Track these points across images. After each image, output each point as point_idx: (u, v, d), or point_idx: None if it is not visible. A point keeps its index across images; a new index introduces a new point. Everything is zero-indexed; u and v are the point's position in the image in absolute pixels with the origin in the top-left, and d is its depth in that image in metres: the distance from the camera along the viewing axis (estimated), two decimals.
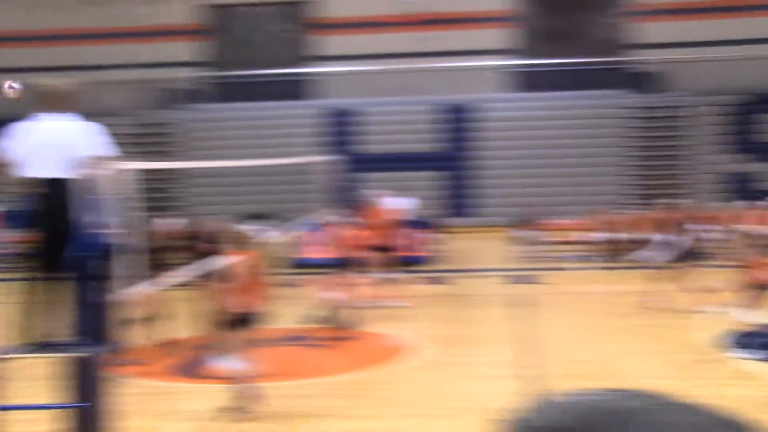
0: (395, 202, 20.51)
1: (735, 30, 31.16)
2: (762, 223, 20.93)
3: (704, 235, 21.05)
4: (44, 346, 7.23)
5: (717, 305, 14.21)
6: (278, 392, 9.99)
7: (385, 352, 12.57)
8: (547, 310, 15.64)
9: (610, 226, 21.41)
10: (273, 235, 16.88)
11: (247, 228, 9.58)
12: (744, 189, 27.93)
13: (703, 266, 18.92)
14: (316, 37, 33.64)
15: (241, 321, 9.09)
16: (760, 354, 11.32)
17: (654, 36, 31.71)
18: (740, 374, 10.54)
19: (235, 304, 9.07)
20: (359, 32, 32.87)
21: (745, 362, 11.07)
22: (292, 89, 33.47)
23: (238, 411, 9.09)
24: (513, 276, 19.47)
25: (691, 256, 20.43)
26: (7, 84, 14.41)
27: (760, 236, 20.07)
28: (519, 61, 33.02)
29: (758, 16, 31.36)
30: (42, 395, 8.84)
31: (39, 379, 8.43)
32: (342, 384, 10.74)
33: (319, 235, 20.17)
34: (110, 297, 7.43)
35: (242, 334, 9.14)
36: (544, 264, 21.08)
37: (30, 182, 7.22)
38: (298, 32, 34.33)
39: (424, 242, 21.72)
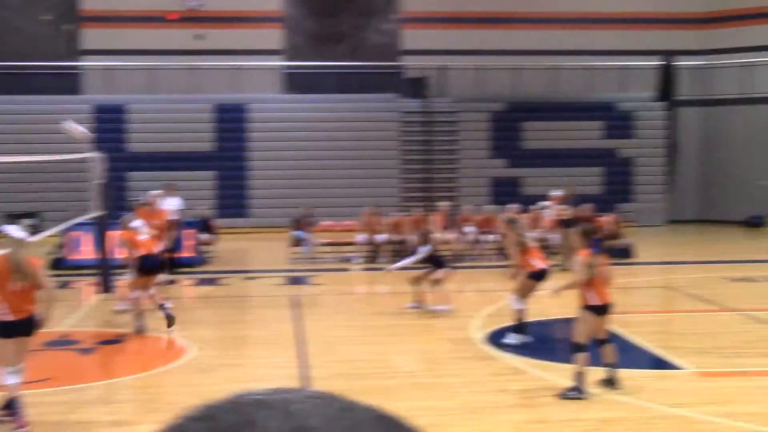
0: (166, 203, 20.14)
1: (501, 41, 32.70)
2: (534, 226, 22.05)
3: (479, 237, 22.08)
4: None
5: (485, 304, 14.87)
6: (43, 399, 9.56)
7: (159, 355, 12.32)
8: (320, 310, 15.84)
9: (376, 228, 21.87)
10: (35, 236, 16.14)
11: (6, 229, 8.98)
12: (514, 193, 29.37)
13: (472, 267, 19.79)
14: (90, 30, 32.42)
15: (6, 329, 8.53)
16: (519, 349, 11.92)
17: (424, 43, 32.74)
18: (501, 369, 11.04)
19: None
20: (135, 27, 32.00)
21: (506, 357, 11.60)
22: (63, 83, 32.12)
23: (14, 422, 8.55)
24: (288, 277, 19.57)
25: (458, 258, 21.41)
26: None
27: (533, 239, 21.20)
28: (291, 62, 33.21)
29: (523, 29, 33.02)
30: None
31: None
32: (110, 389, 10.42)
33: (90, 235, 19.51)
34: None
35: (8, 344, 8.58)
36: (317, 265, 21.30)
37: None
38: (71, 24, 32.99)
39: (199, 243, 21.43)
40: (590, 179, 30.59)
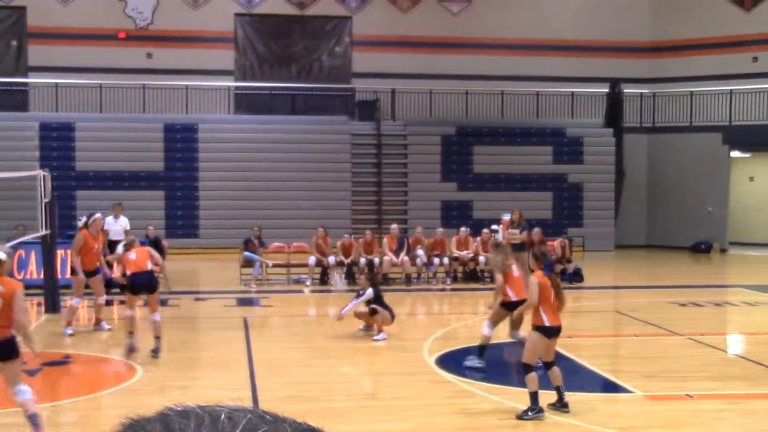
0: (116, 222, 19.94)
1: (452, 65, 32.99)
2: (486, 250, 22.19)
3: (429, 260, 22.14)
4: None
5: (436, 327, 14.88)
6: None
7: (106, 377, 12.13)
8: (270, 332, 15.76)
9: (326, 250, 21.85)
10: None
11: None
12: (465, 216, 29.50)
13: (422, 290, 19.82)
14: (37, 47, 32.04)
15: None
16: (470, 372, 11.94)
17: (375, 66, 32.88)
18: (453, 392, 11.04)
19: None
20: (84, 44, 31.69)
21: (457, 380, 11.61)
22: (10, 100, 31.70)
23: None
24: (238, 298, 19.44)
25: (408, 281, 21.44)
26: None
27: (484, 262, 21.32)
28: (242, 83, 33.16)
29: (473, 54, 33.32)
30: None
31: None
32: (55, 411, 10.23)
33: (34, 254, 19.21)
34: None
35: None
36: (267, 287, 21.19)
37: None
38: (17, 40, 32.61)
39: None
40: (540, 203, 30.86)
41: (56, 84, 30.81)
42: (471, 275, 22.48)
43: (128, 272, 13.14)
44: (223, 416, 0.92)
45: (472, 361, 12.25)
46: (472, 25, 33.71)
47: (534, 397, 9.64)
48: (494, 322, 12.36)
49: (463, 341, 14.35)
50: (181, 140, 30.51)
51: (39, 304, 17.52)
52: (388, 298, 19.30)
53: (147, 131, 30.29)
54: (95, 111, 30.81)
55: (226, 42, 33.11)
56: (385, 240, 22.47)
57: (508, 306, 12.13)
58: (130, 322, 13.07)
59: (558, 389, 9.92)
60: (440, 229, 23.61)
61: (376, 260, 21.68)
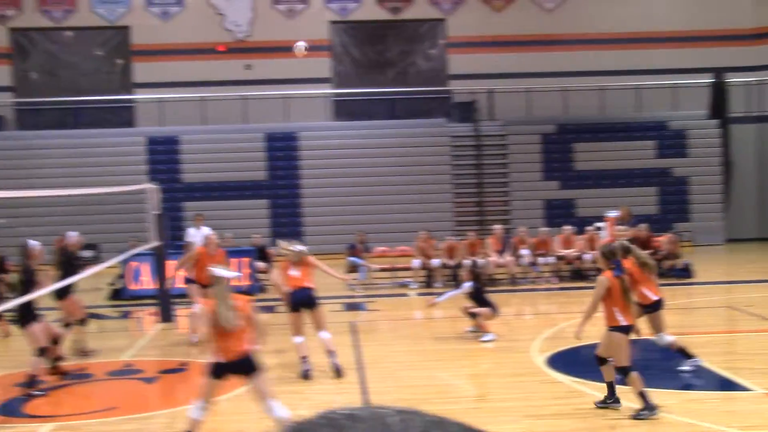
0: (198, 234, 20.20)
1: (549, 62, 32.69)
2: (591, 248, 21.90)
3: (534, 260, 21.98)
4: None
5: (543, 327, 14.75)
6: (109, 428, 9.67)
7: (220, 383, 12.35)
8: (377, 336, 15.84)
9: (431, 253, 21.86)
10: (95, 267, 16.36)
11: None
12: (568, 215, 29.15)
13: (528, 290, 19.66)
14: (141, 64, 32.98)
15: None
16: (580, 372, 11.78)
17: (471, 67, 32.82)
18: (563, 392, 10.92)
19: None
20: (185, 59, 32.48)
21: (567, 381, 11.47)
22: (117, 117, 32.74)
23: None
24: (345, 303, 19.61)
25: (514, 282, 21.33)
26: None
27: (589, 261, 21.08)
28: (340, 90, 33.47)
29: (571, 50, 32.96)
30: None
31: None
32: (174, 417, 10.48)
33: (147, 265, 19.75)
34: None
35: None
36: (373, 291, 21.31)
37: None
38: (123, 58, 33.62)
39: (255, 271, 21.54)
40: (645, 199, 30.28)
41: (160, 99, 31.61)
42: (577, 274, 22.21)
43: (288, 288, 12.66)
44: (392, 418, 0.93)
45: (686, 365, 11.77)
46: (568, 20, 33.34)
47: (642, 395, 9.52)
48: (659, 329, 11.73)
49: (571, 341, 14.16)
50: (282, 149, 30.96)
51: (153, 314, 18.00)
52: (493, 298, 19.26)
53: (249, 141, 30.84)
54: (198, 123, 31.52)
55: (322, 50, 33.45)
56: (488, 241, 22.38)
57: (647, 308, 11.71)
58: (299, 347, 12.53)
59: (610, 385, 9.88)
60: (544, 229, 23.40)
61: (481, 261, 21.61)
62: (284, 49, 32.82)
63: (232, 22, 33.16)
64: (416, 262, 21.72)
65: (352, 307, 19.37)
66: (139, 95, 32.66)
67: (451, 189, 30.89)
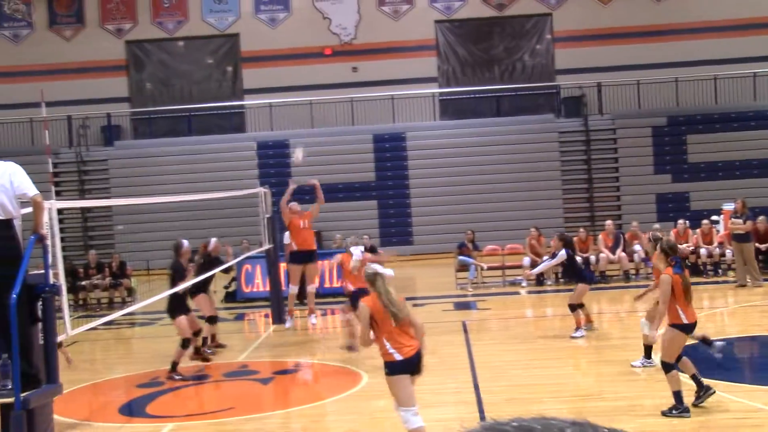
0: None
1: (658, 54, 32.01)
2: (708, 242, 21.41)
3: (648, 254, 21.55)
4: None
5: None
6: (226, 428, 9.90)
7: (333, 384, 12.52)
8: (488, 335, 15.78)
9: (541, 251, 21.64)
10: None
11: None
12: (682, 209, 28.47)
13: (642, 286, 19.29)
14: (250, 70, 33.67)
15: None
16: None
17: (578, 61, 32.40)
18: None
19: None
20: (292, 64, 32.98)
21: (687, 377, 11.22)
22: (227, 122, 33.51)
23: None
24: (455, 303, 19.61)
25: (627, 277, 20.96)
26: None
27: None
28: (446, 89, 33.47)
29: (680, 40, 32.22)
30: None
31: None
32: (289, 417, 10.67)
33: (260, 268, 20.11)
34: (52, 338, 7.29)
35: None
36: (483, 290, 21.24)
37: None
38: (232, 65, 34.38)
39: None
40: (763, 191, 29.29)
41: (270, 104, 32.17)
42: (692, 269, 21.65)
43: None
44: (568, 430, 0.93)
45: (638, 362, 11.93)
46: (677, 10, 32.59)
47: (677, 395, 9.55)
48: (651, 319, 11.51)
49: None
50: (390, 149, 31.12)
51: (266, 316, 18.34)
52: (606, 295, 18.98)
53: (357, 143, 31.10)
54: (307, 127, 31.95)
55: (428, 50, 33.53)
56: (600, 237, 22.05)
57: None
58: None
59: (694, 377, 9.85)
60: (657, 225, 22.92)
61: (593, 258, 21.33)
62: (390, 50, 33.09)
63: (338, 25, 33.52)
64: (526, 260, 21.55)
65: (463, 306, 19.34)
66: (249, 101, 33.31)
67: (560, 185, 30.55)
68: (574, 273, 14.76)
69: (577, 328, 14.25)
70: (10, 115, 30.84)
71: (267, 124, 32.35)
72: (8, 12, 34.09)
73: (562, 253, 14.48)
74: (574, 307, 14.41)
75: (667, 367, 9.68)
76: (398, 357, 8.15)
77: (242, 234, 24.08)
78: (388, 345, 8.15)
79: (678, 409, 9.54)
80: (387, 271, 8.77)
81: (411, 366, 8.19)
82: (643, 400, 10.34)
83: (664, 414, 9.56)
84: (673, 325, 9.76)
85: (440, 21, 33.73)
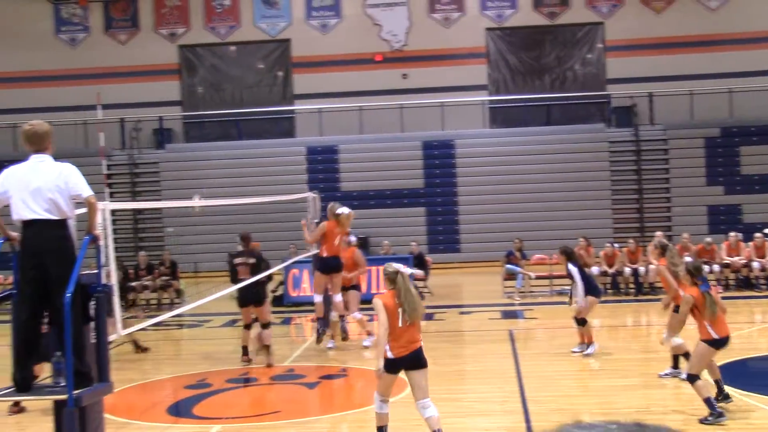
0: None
1: (712, 64, 31.64)
2: (761, 255, 21.09)
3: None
4: (34, 389, 7.16)
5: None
6: None
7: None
8: (535, 345, 15.68)
9: (589, 261, 21.46)
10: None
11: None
12: (734, 221, 28.07)
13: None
14: (300, 75, 33.87)
15: None
16: (748, 385, 11.35)
17: (630, 70, 32.13)
18: (731, 406, 10.53)
19: None
20: (342, 69, 33.12)
21: (734, 394, 11.06)
22: (277, 127, 33.75)
23: None
24: (502, 311, 19.52)
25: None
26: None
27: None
28: (496, 97, 33.38)
29: (734, 50, 31.82)
30: None
31: (30, 421, 8.34)
32: (334, 422, 10.68)
33: (307, 272, 20.18)
34: (104, 337, 7.38)
35: None
36: (531, 299, 21.13)
37: (17, 224, 7.18)
38: (283, 71, 34.61)
39: (414, 279, 21.64)
40: None
41: (320, 109, 32.33)
42: (744, 283, 21.39)
43: None
44: None
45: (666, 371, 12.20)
46: (733, 19, 32.18)
47: (708, 402, 9.70)
48: (673, 329, 11.41)
49: (738, 352, 13.67)
50: (439, 156, 31.10)
51: (313, 321, 18.36)
52: (654, 306, 18.73)
53: (406, 150, 31.12)
54: (356, 133, 32.04)
55: (478, 57, 33.47)
56: (649, 248, 21.81)
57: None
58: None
59: (717, 382, 10.20)
60: (708, 238, 22.63)
61: (642, 269, 21.11)
62: (440, 58, 33.08)
63: (388, 32, 33.59)
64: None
65: (510, 315, 19.25)
66: (299, 106, 33.50)
67: (609, 195, 30.29)
68: (585, 286, 13.93)
69: (589, 344, 13.92)
70: (65, 117, 31.28)
71: (316, 129, 32.50)
72: (66, 16, 34.66)
73: (574, 271, 13.77)
74: (582, 321, 13.95)
75: (692, 379, 9.85)
76: (390, 355, 8.65)
77: (290, 239, 24.18)
78: (392, 342, 8.65)
79: (713, 415, 9.63)
80: (408, 270, 8.99)
81: (400, 365, 8.73)
82: (694, 415, 10.20)
83: (701, 422, 9.61)
84: (704, 341, 9.88)
85: (491, 29, 33.66)
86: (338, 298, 14.65)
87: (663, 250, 13.00)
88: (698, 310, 9.85)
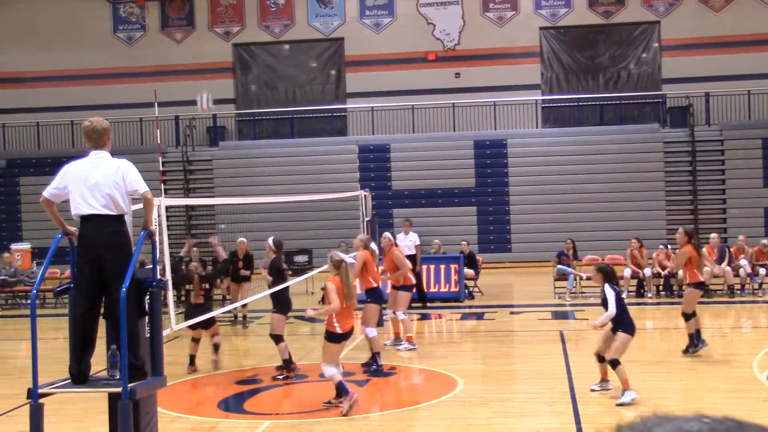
0: (406, 238, 20.38)
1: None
2: None
3: (755, 270, 21.00)
4: (89, 381, 7.29)
5: (765, 341, 14.08)
6: (317, 429, 10.02)
7: (429, 389, 12.55)
8: (585, 345, 15.57)
9: (642, 262, 21.26)
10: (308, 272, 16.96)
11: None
12: None
13: (748, 302, 18.78)
14: (353, 74, 34.00)
15: None
16: None
17: (686, 70, 31.76)
18: None
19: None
20: (395, 68, 33.18)
21: None
22: (329, 126, 33.91)
23: None
24: (553, 312, 19.43)
25: (731, 292, 20.42)
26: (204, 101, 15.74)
27: None
28: (550, 96, 33.20)
29: None
30: (84, 430, 8.91)
31: (84, 414, 8.48)
32: (384, 420, 10.72)
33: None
34: (158, 332, 7.49)
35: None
36: (582, 300, 20.98)
37: (76, 219, 7.31)
38: (336, 69, 34.77)
39: (464, 278, 21.65)
40: None
41: (372, 108, 32.41)
42: None
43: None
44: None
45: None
46: None
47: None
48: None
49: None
50: (491, 156, 31.00)
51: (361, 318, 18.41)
52: (709, 309, 18.51)
53: (458, 149, 31.08)
54: (408, 132, 32.09)
55: (531, 56, 33.32)
56: (704, 250, 21.54)
57: (699, 286, 13.80)
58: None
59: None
60: (765, 240, 22.30)
61: None
62: (493, 57, 32.98)
63: (442, 31, 33.58)
64: (627, 271, 21.20)
65: (560, 315, 19.15)
66: (352, 104, 33.62)
67: (663, 196, 29.96)
68: (618, 318, 11.23)
69: (624, 390, 11.06)
70: (123, 114, 31.73)
71: (369, 128, 32.60)
72: (123, 15, 35.17)
73: (610, 295, 11.16)
74: (615, 363, 11.11)
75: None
76: (339, 330, 10.56)
77: (342, 236, 24.28)
78: (334, 319, 10.50)
79: None
80: (351, 260, 11.02)
81: (345, 338, 10.79)
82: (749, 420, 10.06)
83: None
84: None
85: (545, 28, 33.48)
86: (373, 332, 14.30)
87: (690, 236, 13.67)
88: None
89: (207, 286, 13.91)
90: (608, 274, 11.44)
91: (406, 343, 15.25)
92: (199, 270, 14.28)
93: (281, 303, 13.33)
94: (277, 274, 13.45)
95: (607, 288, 11.16)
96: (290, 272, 15.08)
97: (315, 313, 11.13)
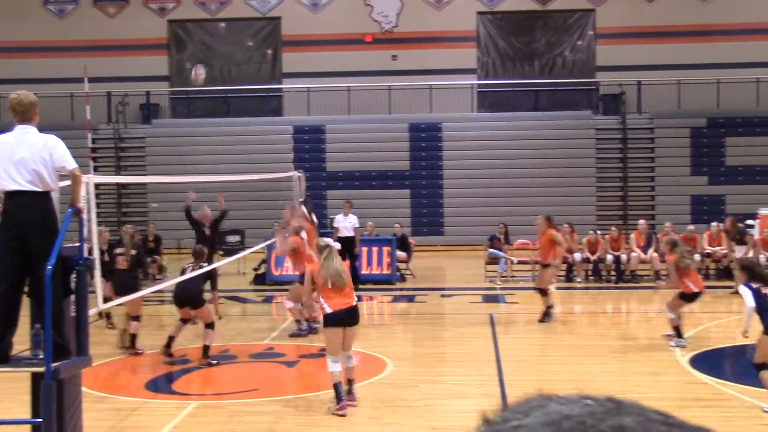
0: (345, 220, 20.38)
1: (701, 54, 31.71)
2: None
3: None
4: (11, 360, 7.17)
5: (688, 327, 14.38)
6: (251, 409, 9.99)
7: (358, 370, 12.57)
8: (515, 329, 15.78)
9: (572, 247, 21.52)
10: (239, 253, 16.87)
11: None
12: (717, 211, 28.18)
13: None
14: (289, 54, 33.77)
15: None
16: (723, 374, 11.46)
17: (620, 58, 32.19)
18: (705, 393, 10.63)
19: None
20: (331, 49, 33.04)
21: (710, 381, 11.17)
22: (265, 105, 33.66)
23: None
24: (483, 295, 19.60)
25: (658, 278, 20.81)
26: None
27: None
28: (485, 81, 33.39)
29: (724, 41, 31.90)
30: (6, 410, 8.76)
31: (6, 394, 8.33)
32: (310, 401, 10.73)
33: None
34: (84, 311, 7.39)
35: None
36: (512, 284, 21.21)
37: (0, 195, 7.17)
38: (272, 49, 34.50)
39: (396, 261, 21.74)
40: None
41: (308, 89, 32.25)
42: (724, 272, 21.51)
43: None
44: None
45: (674, 343, 13.27)
46: (722, 11, 32.26)
47: None
48: (673, 308, 13.33)
49: (716, 341, 13.83)
50: (425, 139, 31.11)
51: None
52: (635, 294, 18.87)
53: (393, 131, 31.12)
54: (343, 113, 32.00)
55: (468, 41, 33.45)
56: (632, 236, 21.93)
57: (688, 297, 13.29)
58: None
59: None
60: (691, 226, 22.75)
61: (624, 257, 21.23)
62: (431, 40, 33.04)
63: (380, 12, 33.51)
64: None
65: (491, 299, 19.34)
66: (288, 85, 33.42)
67: (594, 183, 30.40)
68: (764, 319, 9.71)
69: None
70: (52, 89, 31.09)
71: (304, 108, 32.43)
72: None
73: (747, 295, 9.96)
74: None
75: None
76: (328, 310, 9.96)
77: (275, 217, 24.15)
78: (322, 301, 10.08)
79: None
80: (336, 244, 10.77)
81: (338, 318, 9.92)
82: (671, 402, 10.29)
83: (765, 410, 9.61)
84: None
85: (482, 12, 33.63)
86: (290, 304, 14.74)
87: (673, 246, 13.79)
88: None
89: (134, 252, 13.69)
90: (751, 270, 10.09)
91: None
92: (136, 236, 14.29)
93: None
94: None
95: (743, 287, 10.04)
96: (221, 252, 14.94)
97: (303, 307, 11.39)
